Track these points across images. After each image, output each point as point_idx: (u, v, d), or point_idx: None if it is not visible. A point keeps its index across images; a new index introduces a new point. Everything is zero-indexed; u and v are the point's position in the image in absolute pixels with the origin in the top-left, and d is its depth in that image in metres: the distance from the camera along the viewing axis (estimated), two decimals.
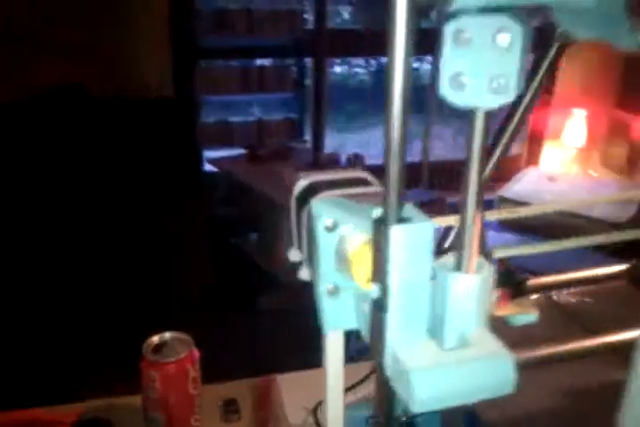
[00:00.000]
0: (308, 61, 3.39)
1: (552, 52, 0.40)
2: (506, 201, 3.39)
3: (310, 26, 3.28)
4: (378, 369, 0.45)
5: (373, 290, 0.45)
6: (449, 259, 0.45)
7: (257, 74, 3.24)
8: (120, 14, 2.78)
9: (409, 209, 0.42)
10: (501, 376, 0.42)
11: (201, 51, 3.09)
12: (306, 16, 3.27)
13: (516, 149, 4.01)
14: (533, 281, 0.48)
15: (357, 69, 4.56)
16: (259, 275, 3.08)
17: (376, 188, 0.53)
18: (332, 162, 3.17)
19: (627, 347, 0.44)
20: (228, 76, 3.20)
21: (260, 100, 3.60)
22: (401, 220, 0.41)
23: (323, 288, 0.50)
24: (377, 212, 0.42)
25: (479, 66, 0.38)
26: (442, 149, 4.22)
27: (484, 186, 0.43)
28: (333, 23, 3.64)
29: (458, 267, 0.44)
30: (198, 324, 1.22)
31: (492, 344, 0.43)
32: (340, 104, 4.25)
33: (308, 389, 1.14)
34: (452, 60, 0.38)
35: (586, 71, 3.50)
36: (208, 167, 3.32)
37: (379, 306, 0.44)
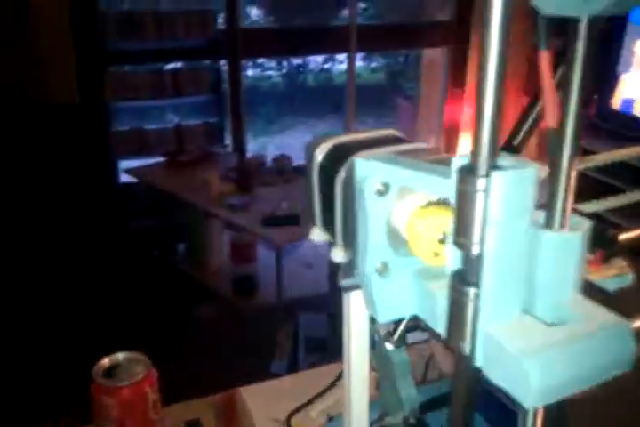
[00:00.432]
0: (223, 63, 3.27)
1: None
2: None
3: (223, 26, 3.17)
4: (463, 360, 0.37)
5: (452, 260, 0.36)
6: (539, 215, 0.37)
7: (170, 78, 3.09)
8: (21, 15, 2.57)
9: (502, 156, 0.34)
10: (621, 351, 0.35)
11: (108, 55, 2.90)
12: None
13: (433, 143, 4.06)
14: (624, 236, 0.41)
15: (270, 72, 4.48)
16: (190, 285, 2.93)
17: (419, 144, 0.44)
18: (258, 164, 3.06)
19: None
20: (139, 82, 3.03)
21: (176, 105, 3.44)
22: (495, 167, 0.33)
23: (370, 267, 0.41)
24: (460, 160, 0.34)
25: None
26: None
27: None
28: (244, 24, 3.54)
29: (550, 224, 0.36)
30: (137, 341, 1.10)
31: (601, 314, 0.36)
32: (255, 107, 4.15)
33: (275, 399, 1.05)
34: None
35: None
36: (125, 178, 3.14)
37: (463, 280, 0.35)
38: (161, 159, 3.11)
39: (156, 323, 2.59)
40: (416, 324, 0.57)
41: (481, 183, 0.32)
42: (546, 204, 0.36)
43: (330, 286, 2.71)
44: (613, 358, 0.35)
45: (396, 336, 0.59)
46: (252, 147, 4.00)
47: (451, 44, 3.71)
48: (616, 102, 2.96)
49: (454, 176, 0.34)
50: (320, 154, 0.45)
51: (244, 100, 3.31)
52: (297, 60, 4.50)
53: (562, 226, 0.36)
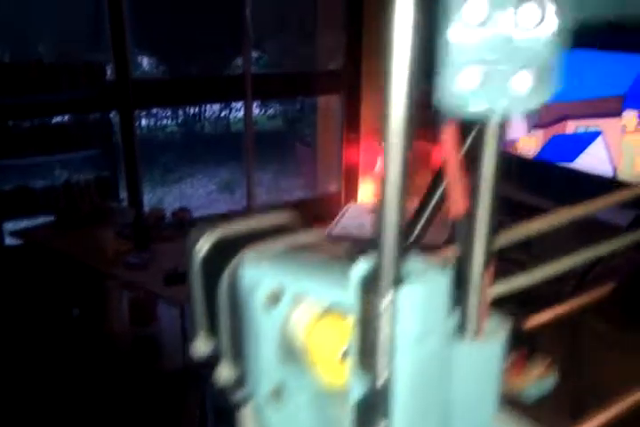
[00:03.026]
0: (114, 115, 3.16)
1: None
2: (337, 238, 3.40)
3: (112, 77, 3.06)
4: None
5: (356, 388, 0.30)
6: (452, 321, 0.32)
7: (57, 132, 2.94)
8: None
9: (408, 259, 0.29)
10: None
11: None
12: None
13: (333, 188, 4.09)
14: (532, 323, 0.37)
15: (165, 121, 4.38)
16: (87, 350, 2.72)
17: (315, 233, 0.39)
18: (157, 219, 2.94)
19: None
20: (23, 137, 2.86)
21: (65, 160, 3.26)
22: (401, 277, 0.28)
23: (264, 392, 0.35)
24: (360, 269, 0.29)
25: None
26: (265, 193, 4.17)
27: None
28: (135, 74, 3.45)
29: (464, 331, 0.32)
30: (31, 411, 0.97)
31: None
32: (152, 158, 4.03)
33: None
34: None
35: None
36: (10, 241, 2.91)
37: (369, 411, 0.30)
38: (51, 218, 2.92)
39: (51, 392, 2.37)
40: None
41: (387, 301, 0.27)
42: (458, 308, 0.32)
43: None
44: None
45: None
46: (150, 199, 3.87)
47: (344, 91, 3.78)
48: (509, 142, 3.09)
49: (354, 289, 0.29)
50: (202, 249, 0.39)
51: (139, 151, 3.20)
52: (193, 109, 4.44)
53: (477, 334, 0.32)
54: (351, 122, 3.87)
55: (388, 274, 0.27)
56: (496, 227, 0.32)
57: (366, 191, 4.01)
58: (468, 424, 0.31)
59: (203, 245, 0.38)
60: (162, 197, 4.15)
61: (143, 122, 4.18)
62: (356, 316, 0.29)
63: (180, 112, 4.40)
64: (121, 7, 2.91)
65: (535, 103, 0.25)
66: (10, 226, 2.93)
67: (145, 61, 3.92)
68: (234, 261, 0.35)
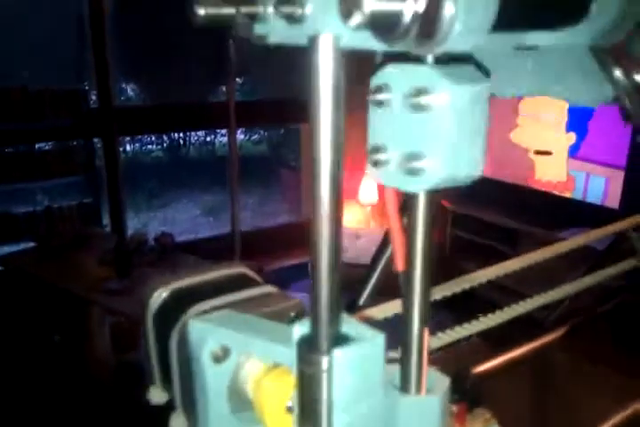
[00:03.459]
0: (97, 141, 3.17)
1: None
2: None
3: (95, 105, 3.08)
4: None
5: None
6: (391, 372, 0.33)
7: (39, 159, 2.94)
8: None
9: (345, 321, 0.30)
10: None
11: None
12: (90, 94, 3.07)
13: None
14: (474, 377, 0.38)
15: (150, 146, 4.39)
16: (69, 378, 2.69)
17: (264, 287, 0.40)
18: (139, 244, 2.93)
19: None
20: (5, 163, 2.86)
21: (47, 186, 3.26)
22: (338, 337, 0.29)
23: None
24: (300, 330, 0.30)
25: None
26: (250, 218, 4.18)
27: None
28: (118, 101, 3.47)
29: (406, 386, 0.33)
30: None
31: None
32: (135, 183, 4.03)
33: None
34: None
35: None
36: None
37: None
38: (31, 244, 2.90)
39: (32, 418, 2.34)
40: None
41: (324, 363, 0.28)
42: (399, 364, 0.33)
43: None
44: None
45: None
46: (134, 224, 3.86)
47: None
48: None
49: (295, 350, 0.30)
50: (155, 302, 0.40)
51: (122, 177, 3.20)
52: (178, 134, 4.46)
53: (418, 389, 0.33)
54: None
55: (324, 336, 0.29)
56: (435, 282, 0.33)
57: (349, 216, 4.04)
58: None
59: (156, 300, 0.39)
60: (146, 222, 4.14)
61: (128, 147, 4.19)
62: (297, 374, 0.30)
63: (165, 137, 4.42)
64: (104, 36, 2.94)
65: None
66: None
67: (129, 88, 3.94)
68: (183, 318, 0.36)
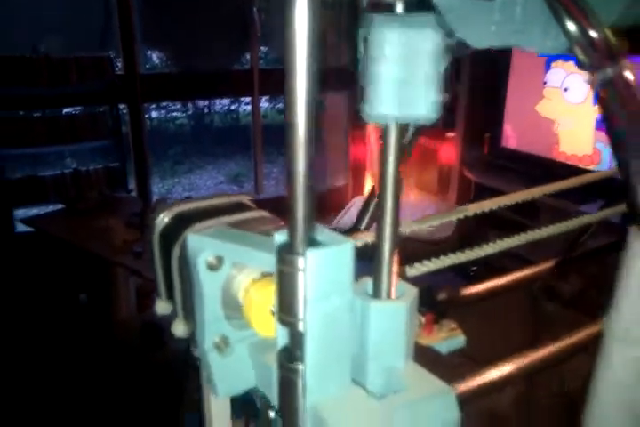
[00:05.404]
0: (123, 107, 3.22)
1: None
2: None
3: (121, 71, 3.13)
4: None
5: (279, 336, 0.36)
6: (365, 283, 0.38)
7: (67, 123, 3.00)
8: None
9: (320, 230, 0.34)
10: (446, 417, 0.36)
11: None
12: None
13: (340, 181, 4.14)
14: (443, 296, 0.42)
15: (175, 113, 4.45)
16: (95, 336, 2.79)
17: (259, 212, 0.44)
18: None
19: None
20: (33, 127, 2.93)
21: (74, 150, 3.34)
22: (313, 243, 0.33)
23: (208, 343, 0.40)
24: (280, 237, 0.34)
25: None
26: (274, 186, 4.23)
27: None
28: (144, 69, 3.51)
29: (377, 293, 0.37)
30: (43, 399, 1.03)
31: (429, 381, 0.37)
32: (161, 149, 4.10)
33: None
34: None
35: None
36: (21, 228, 2.99)
37: (289, 356, 0.35)
38: (60, 206, 2.99)
39: (58, 377, 2.45)
40: None
41: (299, 262, 0.32)
42: (372, 274, 0.37)
43: None
44: (438, 424, 0.35)
45: None
46: (159, 190, 3.94)
47: (350, 88, 3.82)
48: (506, 140, 3.13)
49: (275, 253, 0.34)
50: (161, 223, 0.44)
51: (148, 143, 3.26)
52: (203, 102, 4.51)
53: (388, 296, 0.37)
54: (357, 118, 3.91)
55: (299, 241, 0.33)
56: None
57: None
58: (382, 367, 0.36)
59: (162, 219, 0.43)
60: (171, 188, 4.21)
61: (153, 114, 4.24)
62: (276, 274, 0.34)
63: (190, 105, 4.46)
64: (129, 3, 2.97)
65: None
66: (21, 213, 3.01)
67: (154, 56, 3.98)
68: (184, 233, 0.40)
